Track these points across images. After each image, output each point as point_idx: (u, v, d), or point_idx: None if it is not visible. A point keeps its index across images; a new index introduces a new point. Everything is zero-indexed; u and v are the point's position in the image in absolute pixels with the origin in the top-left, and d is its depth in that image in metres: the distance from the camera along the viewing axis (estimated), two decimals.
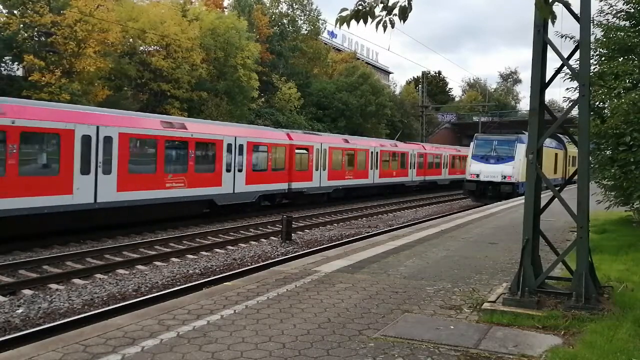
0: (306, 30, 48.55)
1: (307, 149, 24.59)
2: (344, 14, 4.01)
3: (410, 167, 35.33)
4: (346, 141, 28.75)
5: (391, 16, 3.95)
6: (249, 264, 12.62)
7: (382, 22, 3.96)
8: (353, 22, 4.01)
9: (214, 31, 32.48)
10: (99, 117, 15.18)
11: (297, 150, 23.78)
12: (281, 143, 22.94)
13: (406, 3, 3.93)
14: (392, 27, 3.98)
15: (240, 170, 20.23)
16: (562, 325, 5.52)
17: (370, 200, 30.00)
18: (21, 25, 24.08)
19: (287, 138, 23.59)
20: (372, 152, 30.59)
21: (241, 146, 20.32)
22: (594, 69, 12.57)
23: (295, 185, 23.65)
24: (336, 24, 4.07)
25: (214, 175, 19.15)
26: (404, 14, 3.94)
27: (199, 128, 18.81)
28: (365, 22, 3.96)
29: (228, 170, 19.73)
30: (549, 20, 4.59)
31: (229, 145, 19.73)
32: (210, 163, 19.15)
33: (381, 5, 3.93)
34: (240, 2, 42.35)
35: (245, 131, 21.34)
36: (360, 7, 3.97)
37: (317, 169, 25.16)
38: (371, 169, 30.44)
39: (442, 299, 6.67)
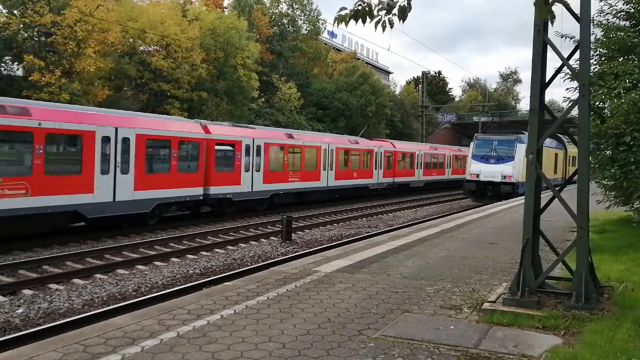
0: (306, 30, 48.55)
1: (232, 145, 20.08)
2: (343, 12, 4.01)
3: (376, 167, 30.99)
4: (289, 136, 24.29)
5: (390, 16, 3.94)
6: (249, 264, 12.62)
7: (381, 22, 3.96)
8: (352, 21, 4.01)
9: (214, 31, 32.48)
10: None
11: (217, 147, 19.27)
12: (192, 137, 18.09)
13: (405, 3, 3.93)
14: (391, 26, 3.98)
15: (125, 173, 15.47)
16: (562, 325, 5.52)
17: (370, 200, 29.97)
18: (21, 25, 24.08)
19: (203, 131, 18.83)
20: (325, 150, 26.18)
21: (126, 140, 15.53)
22: (594, 69, 12.57)
23: (216, 190, 19.15)
24: (334, 23, 4.07)
25: (81, 178, 14.26)
26: (404, 13, 3.93)
27: (51, 115, 13.74)
28: (364, 21, 3.96)
29: (104, 173, 14.87)
30: (549, 20, 4.59)
31: (105, 139, 14.86)
32: (70, 163, 14.38)
33: (380, 5, 3.93)
34: (240, 2, 42.35)
35: (133, 120, 16.20)
36: (359, 7, 3.96)
37: (247, 170, 20.68)
38: (324, 169, 25.98)
39: (442, 299, 6.67)
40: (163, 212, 17.62)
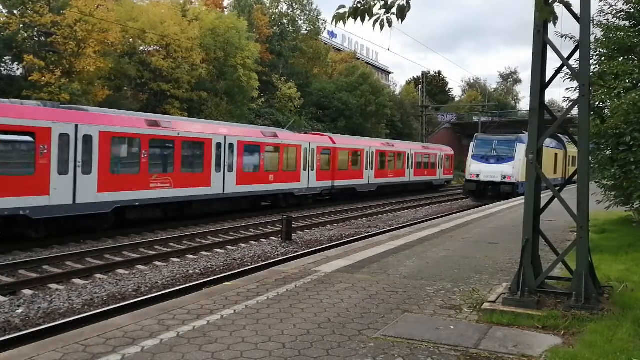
0: (306, 30, 48.54)
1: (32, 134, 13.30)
2: (342, 11, 4.01)
3: (307, 167, 24.54)
4: (155, 124, 16.85)
5: (389, 15, 3.94)
6: (249, 264, 12.62)
7: (379, 21, 3.96)
8: (350, 20, 4.01)
9: (214, 31, 32.47)
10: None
11: None
12: None
13: (404, 2, 3.93)
14: (390, 25, 3.97)
15: None
16: (562, 325, 5.52)
17: (370, 200, 29.94)
18: (21, 25, 24.07)
19: None
20: (219, 145, 19.12)
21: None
22: (594, 69, 12.57)
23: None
24: (333, 21, 4.06)
25: None
26: (402, 13, 3.93)
27: None
28: (363, 19, 3.96)
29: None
30: (550, 21, 4.58)
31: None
32: None
33: (380, 4, 3.93)
34: (240, 2, 42.35)
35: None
36: (358, 5, 3.96)
37: (62, 173, 13.90)
38: (218, 171, 19.09)
39: (442, 299, 6.67)
40: None
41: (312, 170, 24.99)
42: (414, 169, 35.25)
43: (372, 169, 30.22)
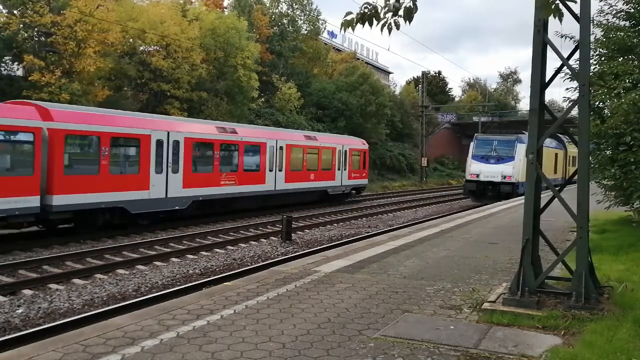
0: (306, 30, 48.51)
1: None
2: (349, 17, 3.99)
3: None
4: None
5: (396, 18, 3.93)
6: (249, 264, 12.62)
7: (387, 24, 3.94)
8: (358, 25, 3.99)
9: (214, 31, 32.44)
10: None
11: None
12: None
13: (411, 4, 3.91)
14: (397, 28, 3.96)
15: None
16: (562, 325, 5.52)
17: (370, 200, 29.96)
18: (21, 25, 24.05)
19: None
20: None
21: None
22: (594, 69, 12.58)
23: None
24: (341, 29, 4.04)
25: None
26: (410, 14, 3.91)
27: None
28: (371, 24, 3.94)
29: None
30: (555, 19, 4.53)
31: None
32: None
33: (387, 7, 3.91)
34: (240, 2, 42.31)
35: None
36: (365, 10, 3.94)
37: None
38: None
39: (442, 299, 6.67)
40: None
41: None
42: (285, 170, 22.92)
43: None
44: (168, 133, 17.23)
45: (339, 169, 27.42)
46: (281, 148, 22.81)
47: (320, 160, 25.79)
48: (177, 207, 17.50)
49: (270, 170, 22.28)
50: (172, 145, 17.29)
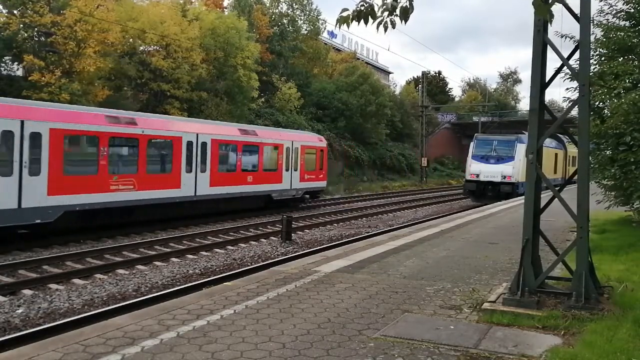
0: (306, 30, 48.51)
1: None
2: (345, 14, 4.01)
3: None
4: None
5: (392, 17, 3.95)
6: (249, 264, 12.62)
7: (383, 23, 3.96)
8: (354, 22, 4.01)
9: (214, 31, 32.44)
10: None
11: None
12: None
13: (407, 3, 3.93)
14: (393, 27, 3.98)
15: None
16: (562, 325, 5.52)
17: (369, 200, 29.94)
18: (21, 25, 24.04)
19: None
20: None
21: None
22: (594, 69, 12.58)
23: None
24: (337, 24, 4.07)
25: None
26: (406, 14, 3.93)
27: None
28: (367, 22, 3.97)
29: None
30: (548, 20, 4.58)
31: None
32: None
33: (384, 6, 3.93)
34: (240, 2, 42.31)
35: None
36: (362, 8, 3.97)
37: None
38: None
39: (442, 299, 6.67)
40: None
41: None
42: (210, 172, 19.06)
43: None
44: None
45: (287, 170, 23.22)
46: (204, 144, 18.50)
47: (261, 159, 21.72)
48: (38, 221, 13.30)
49: (189, 172, 17.95)
50: (28, 140, 13.05)
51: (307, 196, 24.88)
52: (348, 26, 4.05)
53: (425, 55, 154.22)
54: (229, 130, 20.47)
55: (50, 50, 23.97)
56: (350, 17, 4.00)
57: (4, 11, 24.69)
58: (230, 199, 20.11)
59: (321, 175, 26.06)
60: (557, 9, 5.39)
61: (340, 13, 4.03)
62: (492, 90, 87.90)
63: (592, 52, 12.10)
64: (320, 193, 27.04)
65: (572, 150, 34.59)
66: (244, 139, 20.85)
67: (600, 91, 12.02)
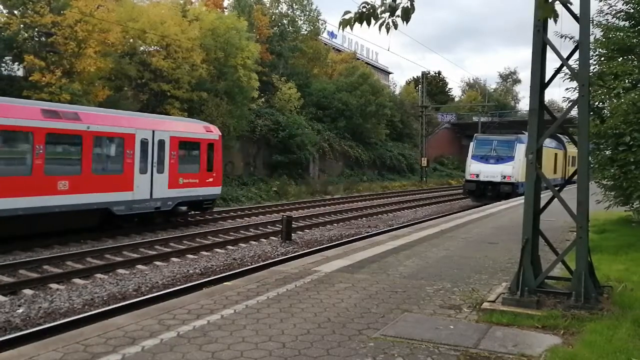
0: (306, 30, 48.51)
1: None
2: (347, 16, 4.03)
3: None
4: None
5: (394, 18, 3.96)
6: (249, 264, 12.63)
7: (385, 24, 3.98)
8: (356, 24, 4.03)
9: (214, 31, 32.43)
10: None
11: None
12: None
13: (409, 4, 3.95)
14: (395, 28, 4.00)
15: None
16: (561, 325, 5.53)
17: (369, 200, 29.94)
18: (21, 26, 24.03)
19: None
20: None
21: None
22: (593, 69, 12.59)
23: None
24: (339, 27, 4.08)
25: None
26: (407, 15, 3.95)
27: None
28: (369, 24, 3.99)
29: None
30: (551, 19, 4.58)
31: None
32: None
33: (384, 7, 3.94)
34: (240, 2, 42.32)
35: None
36: (364, 9, 3.98)
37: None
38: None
39: (442, 298, 6.68)
40: None
41: None
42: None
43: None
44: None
45: (143, 172, 16.20)
46: None
47: (89, 156, 14.69)
48: None
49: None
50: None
51: (184, 208, 17.86)
52: (351, 28, 4.07)
53: (425, 56, 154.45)
54: (15, 111, 12.95)
55: (51, 51, 23.98)
56: (353, 19, 4.01)
57: (5, 11, 24.70)
58: (9, 219, 12.64)
59: (211, 179, 18.81)
60: (556, 9, 5.40)
61: (343, 16, 4.05)
62: (492, 90, 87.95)
63: (591, 52, 12.12)
64: (212, 203, 19.47)
65: (572, 150, 34.59)
66: (51, 125, 13.53)
67: (599, 91, 12.04)
